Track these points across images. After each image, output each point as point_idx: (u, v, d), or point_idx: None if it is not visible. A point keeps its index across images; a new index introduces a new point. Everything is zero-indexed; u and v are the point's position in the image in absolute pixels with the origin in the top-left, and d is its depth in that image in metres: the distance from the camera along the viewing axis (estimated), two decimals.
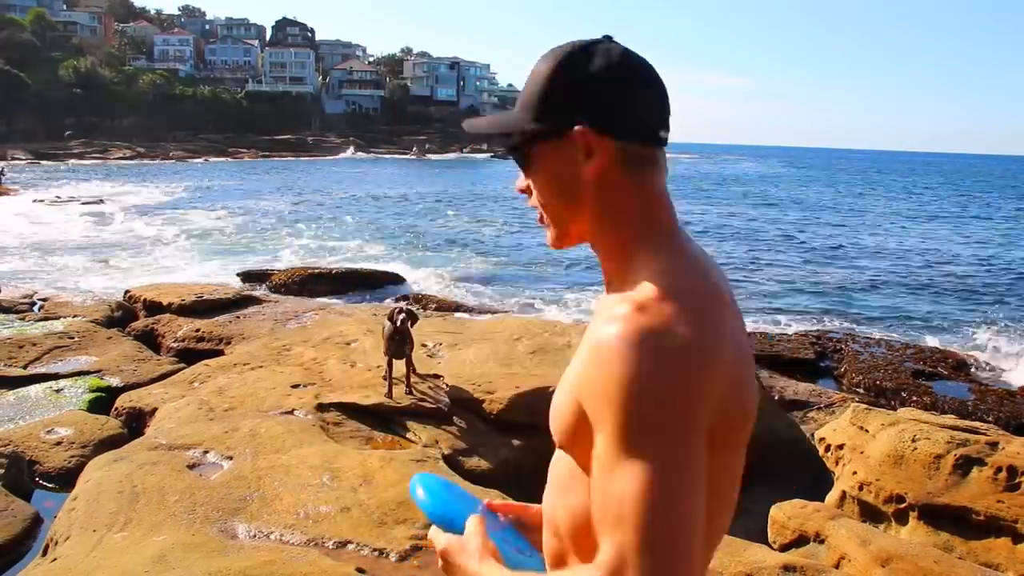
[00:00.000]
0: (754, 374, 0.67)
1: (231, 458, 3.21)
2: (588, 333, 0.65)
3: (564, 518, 0.72)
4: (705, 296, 0.63)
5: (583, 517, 0.67)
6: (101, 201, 21.03)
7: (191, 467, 3.12)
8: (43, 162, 39.69)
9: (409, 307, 4.22)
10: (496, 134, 0.72)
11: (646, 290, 0.61)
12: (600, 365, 0.58)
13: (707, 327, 0.59)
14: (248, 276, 10.37)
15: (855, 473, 3.32)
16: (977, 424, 3.53)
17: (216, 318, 6.12)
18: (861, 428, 3.49)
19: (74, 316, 6.29)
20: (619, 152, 0.66)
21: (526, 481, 3.66)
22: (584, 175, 0.67)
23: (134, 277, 10.30)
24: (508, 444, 3.77)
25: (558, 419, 0.68)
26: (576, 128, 0.66)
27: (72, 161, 41.23)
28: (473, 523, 0.72)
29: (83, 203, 20.36)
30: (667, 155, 0.71)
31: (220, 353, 5.42)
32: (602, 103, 0.65)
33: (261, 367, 4.62)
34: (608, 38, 0.68)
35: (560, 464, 0.73)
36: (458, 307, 9.35)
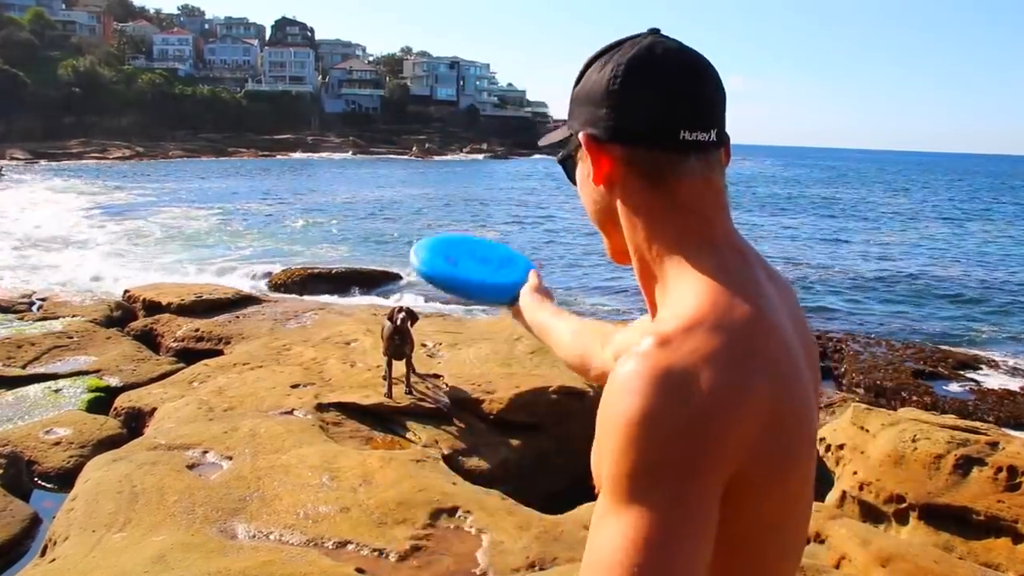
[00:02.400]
0: (806, 415, 0.58)
1: (230, 458, 3.20)
2: None
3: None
4: (740, 324, 0.55)
5: None
6: (96, 202, 21.05)
7: (190, 467, 3.12)
8: (41, 161, 39.66)
9: (408, 307, 4.21)
10: (555, 145, 0.71)
11: (673, 318, 0.56)
12: (610, 402, 0.53)
13: (737, 365, 0.53)
14: (248, 276, 10.38)
15: (855, 473, 3.32)
16: (977, 424, 3.53)
17: (215, 318, 6.12)
18: (861, 428, 3.49)
19: (73, 316, 6.28)
20: (627, 159, 0.61)
21: (527, 481, 3.66)
22: (595, 183, 0.64)
23: (119, 274, 10.30)
24: (508, 444, 3.77)
25: (593, 457, 0.62)
26: (580, 135, 0.63)
27: (71, 161, 41.20)
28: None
29: (77, 201, 20.38)
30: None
31: (219, 353, 5.41)
32: (605, 107, 0.61)
33: (261, 367, 4.61)
34: (654, 31, 0.64)
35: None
36: (458, 306, 9.35)
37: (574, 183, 0.69)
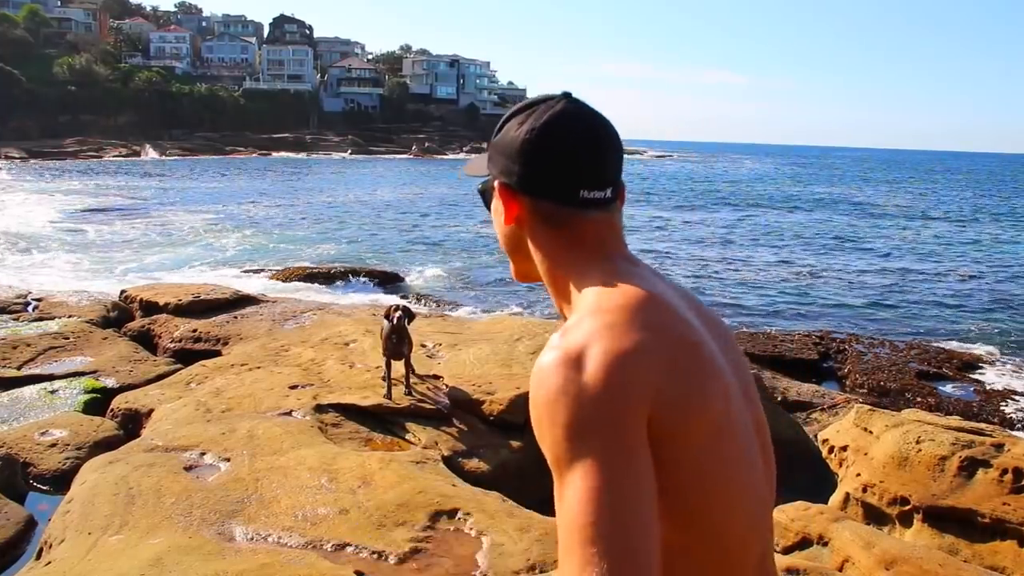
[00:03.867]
0: (711, 365, 0.66)
1: (228, 460, 3.17)
2: None
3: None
4: (628, 301, 0.65)
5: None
6: (94, 201, 20.98)
7: (188, 469, 3.09)
8: (36, 160, 39.50)
9: (405, 304, 4.18)
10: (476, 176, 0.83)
11: (574, 315, 0.66)
12: (532, 391, 0.62)
13: (626, 332, 0.62)
14: (247, 275, 10.34)
15: (859, 475, 3.30)
16: (982, 425, 3.51)
17: (213, 318, 6.08)
18: (865, 429, 3.47)
19: (69, 316, 6.24)
20: (534, 207, 0.72)
21: (526, 482, 3.63)
22: (505, 222, 0.75)
23: (115, 277, 10.24)
24: (508, 445, 3.74)
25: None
26: (496, 183, 0.74)
27: (67, 160, 41.04)
28: None
29: (77, 202, 20.31)
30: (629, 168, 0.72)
31: (217, 354, 5.37)
32: (517, 163, 0.71)
33: (259, 368, 4.58)
34: (566, 95, 0.73)
35: None
36: (457, 307, 9.34)
37: (490, 211, 0.79)
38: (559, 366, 0.60)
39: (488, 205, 0.79)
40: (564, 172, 0.70)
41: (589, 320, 0.63)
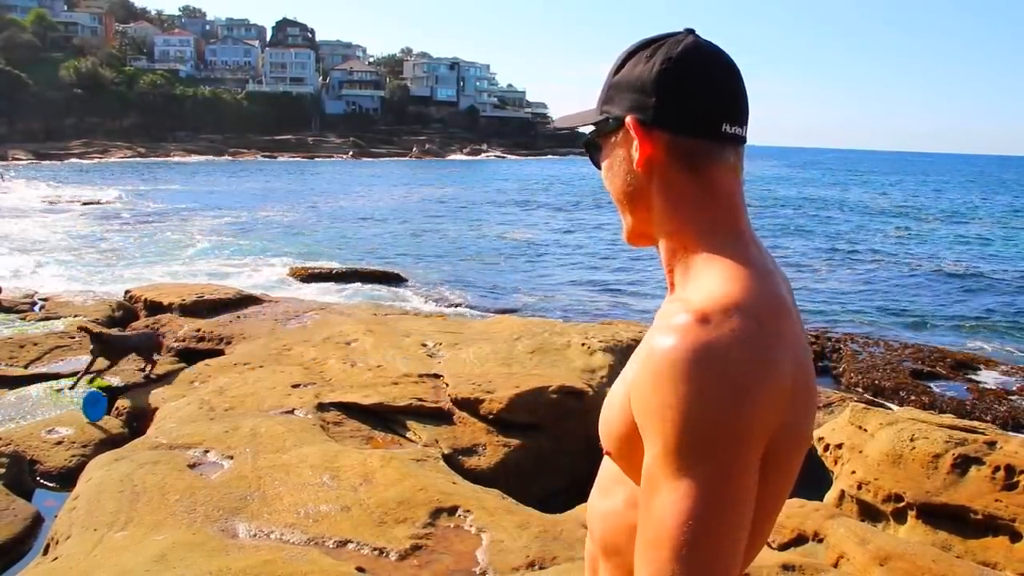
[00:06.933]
0: (814, 388, 0.64)
1: (231, 457, 3.21)
2: (647, 337, 0.62)
3: (596, 520, 0.74)
4: (768, 308, 0.60)
5: (615, 522, 0.70)
6: (99, 203, 21.12)
7: (192, 466, 3.13)
8: (43, 162, 39.72)
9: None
10: (580, 127, 0.74)
11: (708, 298, 0.59)
12: (655, 379, 0.57)
13: (769, 345, 0.57)
14: (250, 275, 10.40)
15: (854, 472, 3.33)
16: (975, 424, 3.54)
17: (216, 318, 6.13)
18: (860, 427, 3.50)
19: (75, 316, 6.30)
20: (671, 145, 0.65)
21: (526, 480, 3.67)
22: (636, 166, 0.67)
23: (120, 277, 10.32)
24: (507, 444, 3.78)
25: (608, 426, 0.67)
26: (627, 119, 0.67)
27: (73, 161, 41.27)
28: None
29: (83, 203, 20.45)
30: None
31: (220, 353, 5.42)
32: (654, 95, 0.65)
33: (261, 367, 4.63)
34: (690, 31, 0.68)
35: (606, 466, 0.74)
36: (457, 307, 9.39)
37: (597, 166, 0.72)
38: (697, 362, 0.55)
39: (594, 159, 0.72)
40: (706, 102, 0.65)
41: (733, 316, 0.57)
